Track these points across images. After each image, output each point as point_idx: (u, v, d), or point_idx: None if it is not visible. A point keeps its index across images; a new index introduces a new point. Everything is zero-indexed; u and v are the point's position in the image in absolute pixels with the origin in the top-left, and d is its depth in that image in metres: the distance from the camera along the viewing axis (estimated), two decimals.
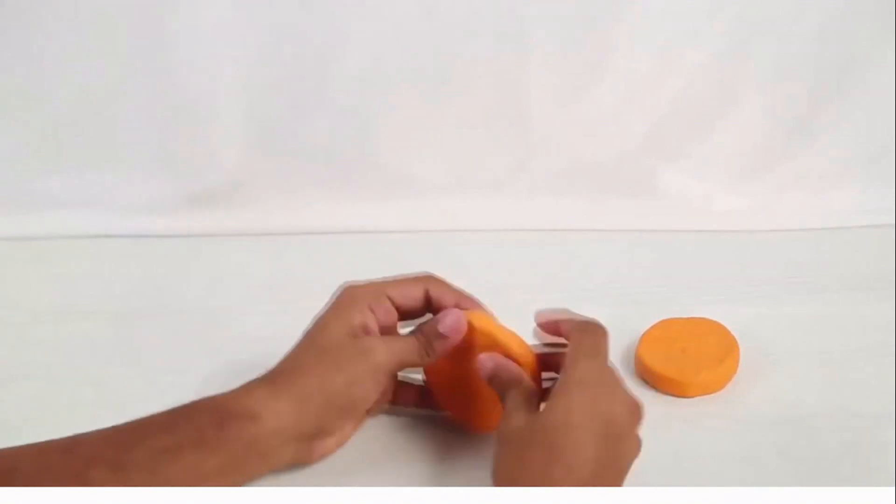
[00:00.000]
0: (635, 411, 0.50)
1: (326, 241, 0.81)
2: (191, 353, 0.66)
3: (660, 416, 0.54)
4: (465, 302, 0.57)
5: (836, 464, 0.56)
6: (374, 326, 0.55)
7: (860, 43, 0.81)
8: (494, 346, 0.54)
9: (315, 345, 0.54)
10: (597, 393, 0.49)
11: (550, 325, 0.55)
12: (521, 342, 0.54)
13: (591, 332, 0.52)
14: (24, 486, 0.45)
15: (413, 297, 0.56)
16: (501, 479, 0.48)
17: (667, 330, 0.65)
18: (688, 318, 0.66)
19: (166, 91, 0.78)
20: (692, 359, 0.62)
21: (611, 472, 0.48)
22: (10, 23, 0.74)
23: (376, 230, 0.81)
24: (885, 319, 0.69)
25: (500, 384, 0.52)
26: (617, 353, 0.59)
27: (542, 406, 0.50)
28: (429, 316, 0.57)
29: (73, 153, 0.80)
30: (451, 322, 0.54)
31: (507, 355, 0.53)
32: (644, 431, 0.50)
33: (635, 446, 0.50)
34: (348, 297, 0.55)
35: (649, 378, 0.62)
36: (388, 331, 0.56)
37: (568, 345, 0.52)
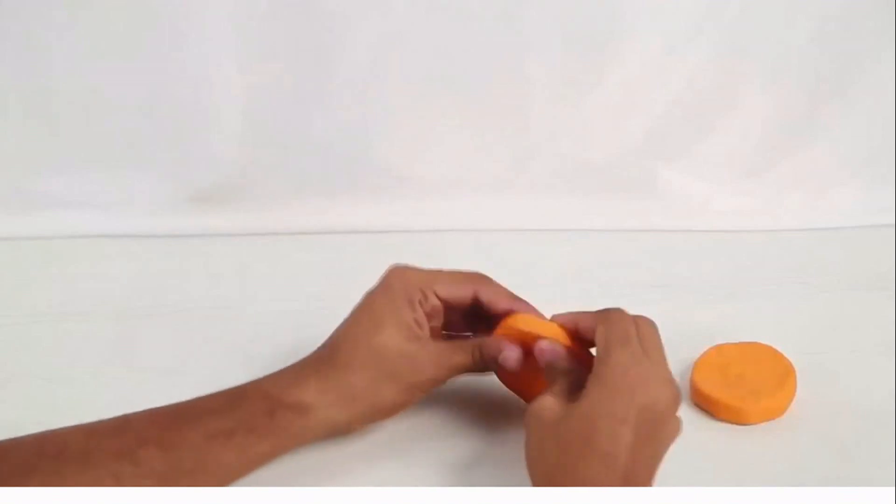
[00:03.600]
0: (674, 395, 0.50)
1: (326, 241, 0.81)
2: (191, 353, 0.66)
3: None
4: (516, 304, 0.57)
5: (836, 464, 0.56)
6: (425, 324, 0.56)
7: (860, 43, 0.81)
8: (531, 338, 0.55)
9: (370, 345, 0.54)
10: (632, 380, 0.49)
11: (569, 324, 0.55)
12: (564, 335, 0.55)
13: (617, 320, 0.53)
14: (75, 465, 0.46)
15: (462, 296, 0.57)
16: (537, 468, 0.49)
17: (720, 356, 0.63)
18: (739, 343, 0.64)
19: (166, 91, 0.78)
20: (751, 384, 0.61)
21: (647, 459, 0.48)
22: (10, 23, 0.74)
23: (376, 230, 0.81)
24: (885, 319, 0.69)
25: (553, 373, 0.53)
26: None
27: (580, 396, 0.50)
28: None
29: (73, 153, 0.80)
30: (511, 357, 0.55)
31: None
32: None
33: (675, 429, 0.50)
34: (398, 290, 0.56)
35: (706, 405, 0.61)
36: (434, 324, 0.57)
37: (596, 337, 0.52)
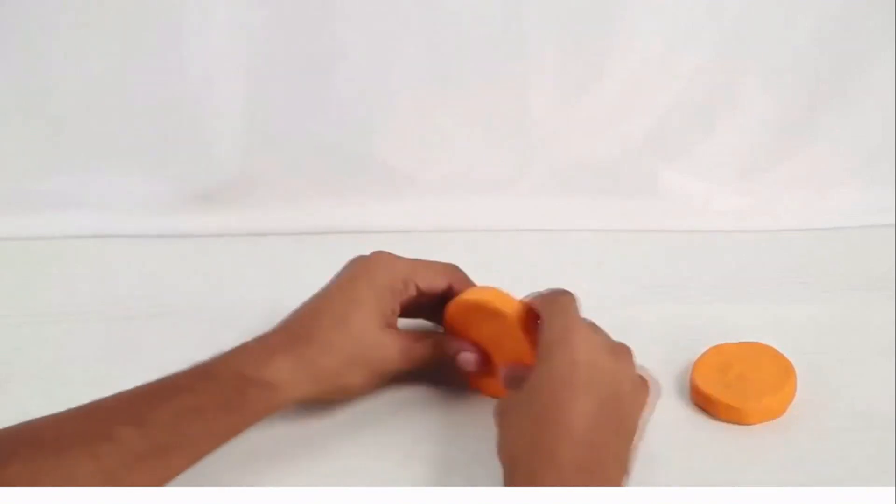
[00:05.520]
0: (620, 352, 0.52)
1: (326, 241, 0.81)
2: (191, 353, 0.65)
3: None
4: None
5: (836, 464, 0.56)
6: (396, 315, 0.58)
7: (860, 43, 0.81)
8: (483, 310, 0.57)
9: (345, 329, 0.56)
10: (570, 347, 0.50)
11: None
12: (510, 299, 0.57)
13: (556, 296, 0.54)
14: (53, 449, 0.46)
15: (437, 287, 0.59)
16: (504, 455, 0.50)
17: (720, 356, 0.63)
18: (739, 343, 0.64)
19: (167, 91, 0.78)
20: (751, 384, 0.60)
21: (614, 420, 0.49)
22: (10, 23, 0.74)
23: (376, 230, 0.81)
24: (885, 319, 0.69)
25: (512, 382, 0.54)
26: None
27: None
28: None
29: (73, 153, 0.80)
30: (469, 360, 0.58)
31: (495, 313, 0.56)
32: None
33: (632, 387, 0.51)
34: (382, 279, 0.58)
35: (706, 405, 0.60)
36: (405, 307, 0.59)
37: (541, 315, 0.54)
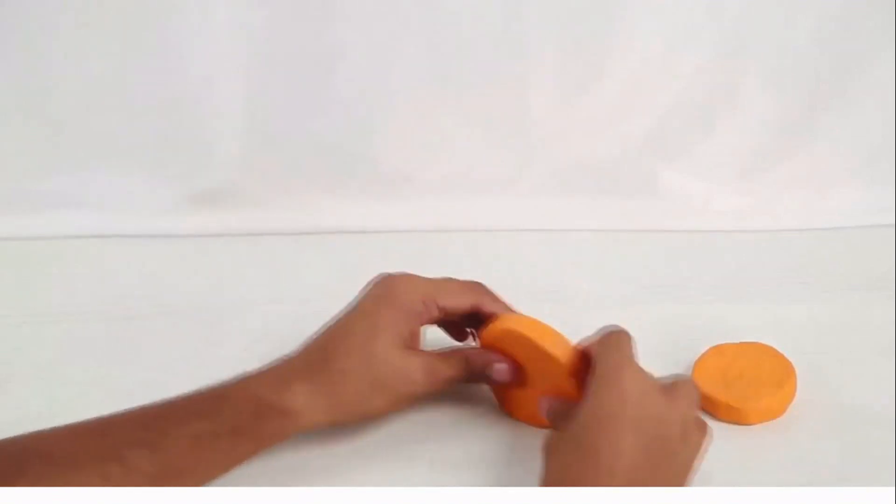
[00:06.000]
0: (674, 393, 0.50)
1: (326, 241, 0.81)
2: (191, 353, 0.66)
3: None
4: None
5: (836, 464, 0.56)
6: (419, 337, 0.57)
7: (860, 43, 0.81)
8: (534, 349, 0.54)
9: (364, 355, 0.54)
10: (620, 385, 0.48)
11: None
12: (562, 341, 0.54)
13: (611, 335, 0.53)
14: (63, 467, 0.46)
15: (462, 307, 0.57)
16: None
17: (720, 356, 0.63)
18: (739, 343, 0.64)
19: (167, 91, 0.78)
20: (751, 384, 0.60)
21: (659, 462, 0.47)
22: (10, 23, 0.74)
23: (376, 230, 0.81)
24: (885, 319, 0.69)
25: (554, 416, 0.53)
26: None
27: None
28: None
29: (73, 153, 0.80)
30: (503, 370, 0.56)
31: (547, 356, 0.54)
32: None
33: (682, 429, 0.49)
34: (403, 301, 0.56)
35: (706, 405, 0.60)
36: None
37: (594, 351, 0.52)
